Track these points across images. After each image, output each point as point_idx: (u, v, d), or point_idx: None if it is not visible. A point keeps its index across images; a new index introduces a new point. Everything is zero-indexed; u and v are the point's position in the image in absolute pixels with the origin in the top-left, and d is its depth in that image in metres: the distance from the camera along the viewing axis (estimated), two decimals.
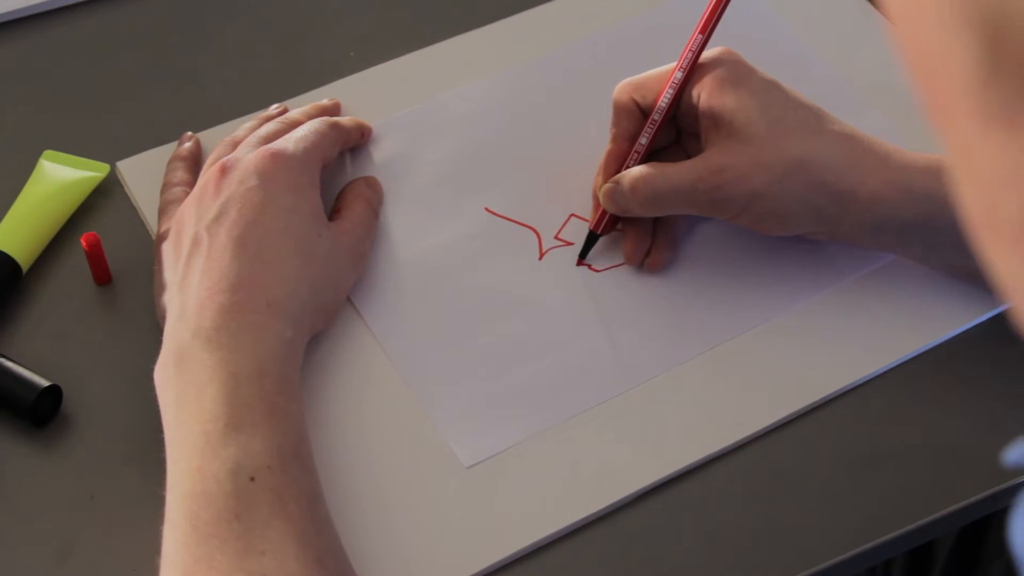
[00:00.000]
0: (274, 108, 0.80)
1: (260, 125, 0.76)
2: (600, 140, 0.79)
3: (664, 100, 0.72)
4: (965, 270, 0.71)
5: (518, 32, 0.86)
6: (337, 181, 0.77)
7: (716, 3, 0.71)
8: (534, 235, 0.76)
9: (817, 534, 0.66)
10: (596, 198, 0.75)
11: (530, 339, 0.72)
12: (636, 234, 0.74)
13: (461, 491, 0.66)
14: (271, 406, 0.62)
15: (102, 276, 0.74)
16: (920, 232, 0.70)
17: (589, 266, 0.75)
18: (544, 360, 0.71)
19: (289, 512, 0.59)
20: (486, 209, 0.77)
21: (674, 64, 0.73)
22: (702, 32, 0.71)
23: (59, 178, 0.77)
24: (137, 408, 0.68)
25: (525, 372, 0.71)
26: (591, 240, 0.75)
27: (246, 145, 0.73)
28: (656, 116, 0.73)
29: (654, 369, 0.71)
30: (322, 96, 0.82)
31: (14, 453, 0.68)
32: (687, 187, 0.70)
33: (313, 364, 0.70)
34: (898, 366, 0.71)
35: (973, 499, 0.67)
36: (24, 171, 0.78)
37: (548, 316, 0.73)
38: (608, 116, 0.75)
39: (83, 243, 0.73)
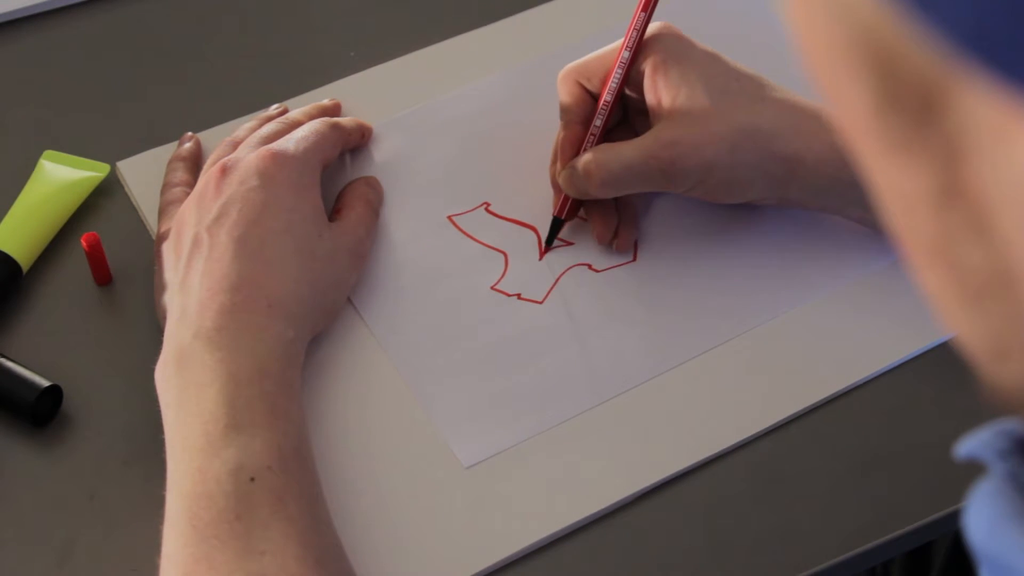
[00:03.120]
0: (274, 108, 0.80)
1: (260, 125, 0.76)
2: None
3: (614, 80, 0.73)
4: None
5: (518, 32, 0.86)
6: (337, 181, 0.77)
7: None
8: (534, 235, 0.76)
9: (817, 534, 0.66)
10: (555, 184, 0.76)
11: (530, 339, 0.72)
12: (601, 215, 0.75)
13: (461, 491, 0.66)
14: (271, 406, 0.62)
15: (102, 276, 0.74)
16: (862, 193, 0.71)
17: (589, 266, 0.75)
18: (544, 360, 0.71)
19: (289, 512, 0.59)
20: (486, 209, 0.77)
21: (615, 44, 0.74)
22: (644, 10, 0.72)
23: (59, 178, 0.77)
24: (137, 408, 0.68)
25: (525, 372, 0.71)
26: (556, 226, 0.76)
27: (247, 145, 0.73)
28: (608, 97, 0.74)
29: (654, 369, 0.71)
30: (322, 96, 0.82)
31: (14, 453, 0.68)
32: (640, 164, 0.71)
33: (314, 364, 0.70)
34: (898, 366, 0.71)
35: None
36: (24, 171, 0.78)
37: (548, 316, 0.73)
38: None
39: (83, 243, 0.73)
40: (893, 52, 0.28)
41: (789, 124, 0.71)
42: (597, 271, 0.75)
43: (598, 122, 0.74)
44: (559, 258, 0.75)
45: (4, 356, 0.70)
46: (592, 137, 0.74)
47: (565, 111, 0.75)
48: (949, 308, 0.31)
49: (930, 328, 0.72)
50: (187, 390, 0.63)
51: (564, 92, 0.75)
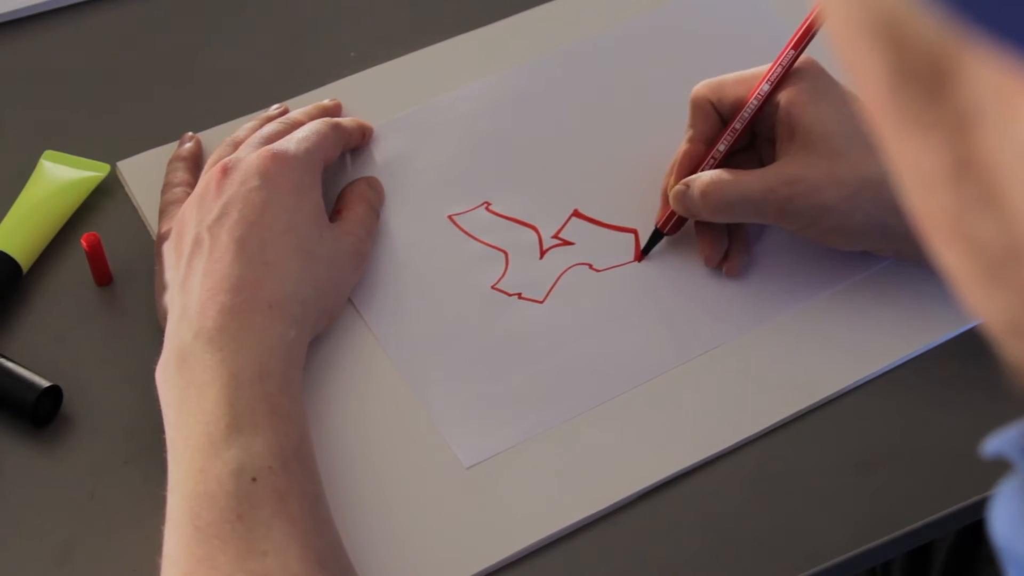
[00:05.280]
0: (275, 108, 0.80)
1: (261, 125, 0.76)
2: (601, 139, 0.80)
3: (748, 110, 0.72)
4: None
5: (518, 32, 0.86)
6: (338, 182, 0.77)
7: (812, 21, 0.71)
8: (535, 234, 0.76)
9: (817, 534, 0.66)
10: (664, 196, 0.74)
11: (530, 339, 0.72)
12: (712, 237, 0.74)
13: (461, 491, 0.66)
14: (273, 407, 0.62)
15: (102, 276, 0.74)
16: None
17: (590, 265, 0.75)
18: (544, 360, 0.71)
19: (291, 513, 0.59)
20: (487, 209, 0.77)
21: (756, 70, 0.73)
22: (794, 48, 0.71)
23: (59, 178, 0.77)
24: (137, 408, 0.68)
25: (525, 372, 0.71)
26: (656, 238, 0.75)
27: (247, 146, 0.73)
28: (738, 124, 0.73)
29: (654, 370, 0.71)
30: (322, 96, 0.82)
31: (14, 453, 0.68)
32: (758, 197, 0.70)
33: (314, 365, 0.70)
34: (898, 367, 0.71)
35: (973, 499, 0.67)
36: (24, 171, 0.78)
37: (548, 316, 0.73)
38: (609, 116, 0.75)
39: (83, 243, 0.73)
40: (903, 25, 0.28)
41: None
42: (597, 271, 0.75)
43: (722, 147, 0.73)
44: (559, 258, 0.75)
45: (4, 356, 0.70)
46: (712, 160, 0.73)
47: (691, 126, 0.74)
48: (967, 285, 0.31)
49: (930, 328, 0.72)
50: (188, 390, 0.63)
51: (695, 107, 0.74)
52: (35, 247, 0.75)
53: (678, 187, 0.72)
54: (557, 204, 0.78)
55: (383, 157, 0.79)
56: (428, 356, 0.71)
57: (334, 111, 0.80)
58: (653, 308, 0.73)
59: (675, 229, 0.75)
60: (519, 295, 0.74)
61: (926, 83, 0.28)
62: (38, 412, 0.68)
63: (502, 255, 0.75)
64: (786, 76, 0.72)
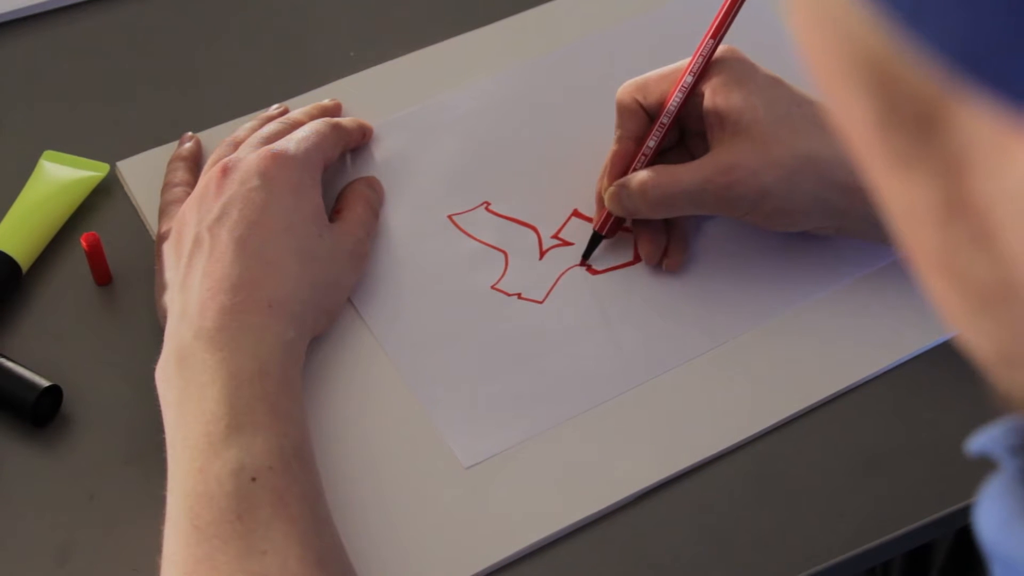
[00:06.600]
0: (275, 108, 0.80)
1: (261, 125, 0.76)
2: (601, 139, 0.80)
3: (673, 103, 0.72)
4: None
5: (518, 32, 0.86)
6: (338, 181, 0.77)
7: (728, 7, 0.71)
8: (534, 234, 0.76)
9: (817, 534, 0.66)
10: (600, 199, 0.74)
11: (530, 339, 0.72)
12: (650, 235, 0.74)
13: (461, 491, 0.66)
14: (272, 407, 0.62)
15: (102, 276, 0.74)
16: None
17: (589, 267, 0.75)
18: (544, 361, 0.71)
19: (291, 513, 0.59)
20: (487, 209, 0.77)
21: (678, 64, 0.73)
22: (713, 37, 0.71)
23: (59, 178, 0.77)
24: (137, 408, 0.68)
25: (525, 372, 0.71)
26: (595, 241, 0.75)
27: (248, 146, 0.73)
28: (665, 119, 0.73)
29: (654, 370, 0.71)
30: (322, 96, 0.82)
31: (14, 453, 0.68)
32: (696, 188, 0.70)
33: (314, 365, 0.70)
34: (898, 366, 0.71)
35: (972, 500, 0.67)
36: (24, 171, 0.78)
37: (548, 316, 0.73)
38: (609, 116, 0.75)
39: (83, 243, 0.73)
40: (890, 71, 0.28)
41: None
42: (597, 272, 0.75)
43: (651, 143, 0.73)
44: (559, 258, 0.75)
45: (4, 356, 0.70)
46: (643, 157, 0.73)
47: (619, 127, 0.74)
48: (957, 318, 0.31)
49: (930, 327, 0.72)
50: (188, 390, 0.63)
51: (621, 107, 0.74)
52: (35, 247, 0.75)
53: (612, 188, 0.73)
54: (557, 204, 0.78)
55: (383, 157, 0.79)
56: (428, 356, 0.71)
57: (334, 111, 0.80)
58: (653, 309, 0.73)
59: (613, 231, 0.75)
60: (519, 295, 0.74)
61: (915, 126, 0.28)
62: (38, 412, 0.68)
63: (502, 255, 0.75)
64: (708, 66, 0.72)
